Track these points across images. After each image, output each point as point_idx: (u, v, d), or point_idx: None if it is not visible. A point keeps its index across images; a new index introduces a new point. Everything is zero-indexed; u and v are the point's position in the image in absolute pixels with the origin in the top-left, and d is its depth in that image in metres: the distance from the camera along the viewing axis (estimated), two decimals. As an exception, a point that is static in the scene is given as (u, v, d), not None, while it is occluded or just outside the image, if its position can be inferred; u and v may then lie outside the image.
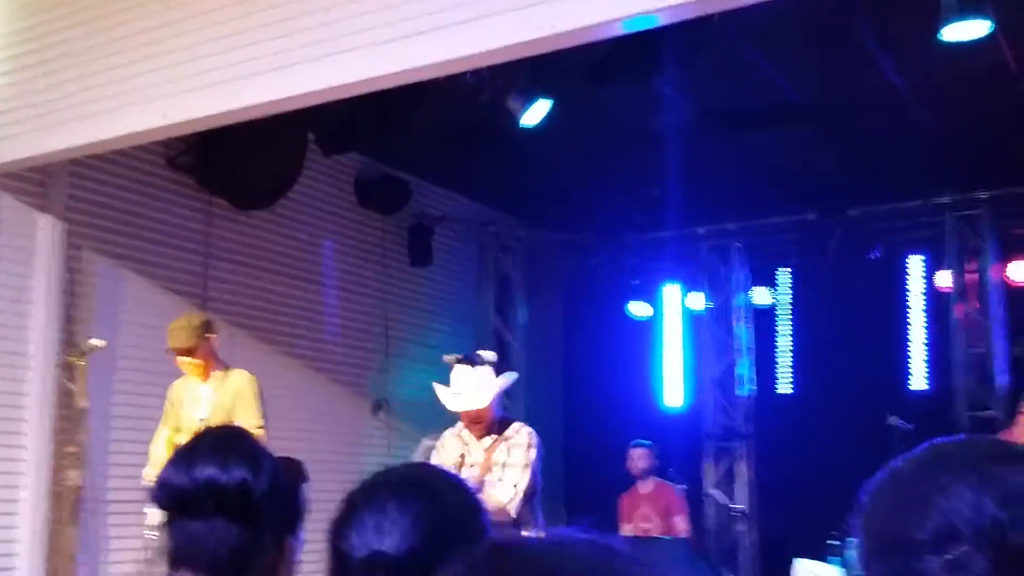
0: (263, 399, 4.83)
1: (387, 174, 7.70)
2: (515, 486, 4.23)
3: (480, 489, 4.10)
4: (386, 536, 1.23)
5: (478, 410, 4.34)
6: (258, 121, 4.86)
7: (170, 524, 1.62)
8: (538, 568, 0.58)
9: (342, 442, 7.24)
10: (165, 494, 1.60)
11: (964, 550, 0.92)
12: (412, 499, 1.28)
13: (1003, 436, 6.30)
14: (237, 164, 6.40)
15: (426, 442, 3.91)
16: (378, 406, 7.71)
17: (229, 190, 6.55)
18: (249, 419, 4.68)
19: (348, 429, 7.42)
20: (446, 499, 1.32)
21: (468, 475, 4.20)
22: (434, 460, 4.51)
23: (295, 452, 6.64)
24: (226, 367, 4.93)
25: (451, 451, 4.50)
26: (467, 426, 4.46)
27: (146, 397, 5.80)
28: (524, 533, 4.22)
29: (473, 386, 4.36)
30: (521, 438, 4.35)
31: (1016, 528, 0.93)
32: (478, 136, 6.92)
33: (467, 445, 4.48)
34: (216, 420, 4.65)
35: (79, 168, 5.79)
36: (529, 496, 4.26)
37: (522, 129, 6.06)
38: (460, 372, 4.40)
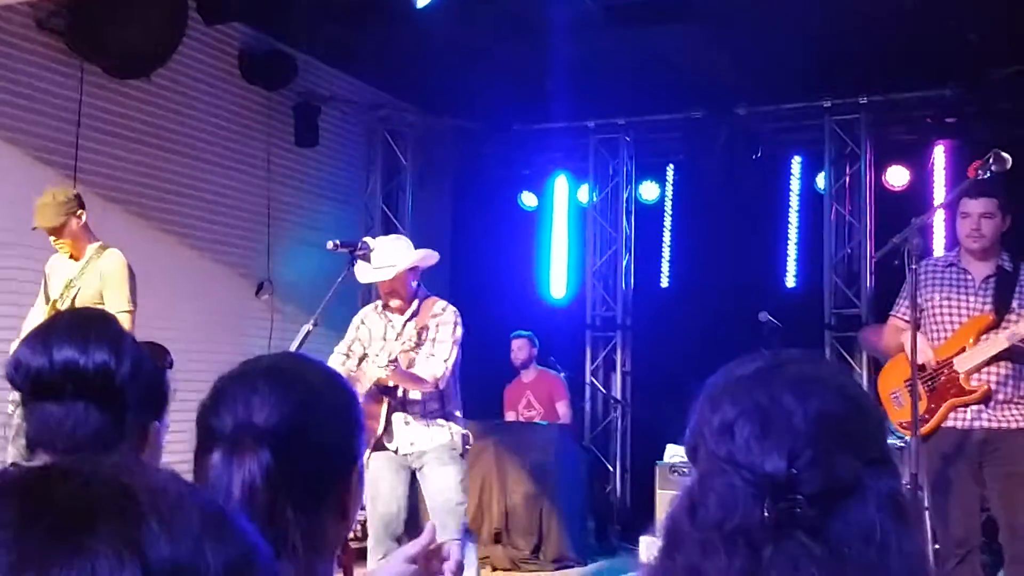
0: (134, 281, 4.68)
1: (273, 48, 7.41)
2: (445, 361, 4.41)
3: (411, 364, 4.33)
4: (255, 411, 1.26)
5: (392, 282, 4.43)
6: (133, -15, 4.59)
7: (27, 406, 1.58)
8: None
9: (224, 324, 7.14)
10: (20, 375, 1.56)
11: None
12: (283, 381, 1.30)
13: (867, 334, 6.66)
14: (110, 29, 6.06)
15: (306, 327, 3.86)
16: (261, 288, 7.60)
17: (102, 56, 6.21)
18: (117, 302, 4.54)
19: (230, 310, 7.31)
20: (315, 384, 1.35)
21: (394, 349, 4.30)
22: (352, 336, 4.64)
23: (173, 333, 6.56)
24: (102, 245, 4.75)
25: (375, 327, 4.61)
26: (385, 300, 4.56)
27: (13, 270, 5.59)
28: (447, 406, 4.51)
29: (386, 258, 4.42)
30: (448, 316, 4.52)
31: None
32: (371, 14, 6.70)
33: (391, 321, 4.58)
34: (82, 300, 4.50)
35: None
36: (453, 370, 4.51)
37: (417, 11, 5.90)
38: (380, 243, 4.49)
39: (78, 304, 4.42)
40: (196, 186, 7.07)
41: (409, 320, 4.53)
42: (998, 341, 3.94)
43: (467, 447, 4.65)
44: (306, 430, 1.27)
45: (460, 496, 4.50)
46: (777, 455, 1.02)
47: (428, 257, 4.67)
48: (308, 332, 3.72)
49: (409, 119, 8.92)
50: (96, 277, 4.60)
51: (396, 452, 4.50)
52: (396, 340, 4.44)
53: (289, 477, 1.21)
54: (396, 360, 4.21)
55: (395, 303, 4.55)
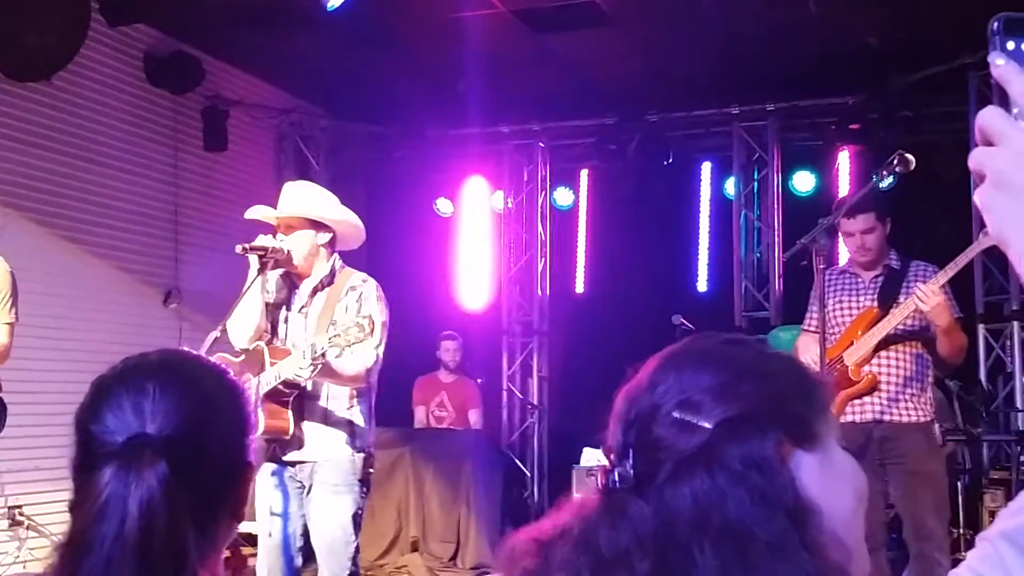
0: (16, 292, 4.48)
1: (179, 50, 7.23)
2: (376, 348, 3.60)
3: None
4: (148, 418, 1.17)
5: (295, 219, 3.65)
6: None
7: None
8: None
9: (130, 332, 6.91)
10: None
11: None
12: (174, 383, 1.22)
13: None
14: (9, 31, 5.85)
15: (213, 334, 3.70)
16: (169, 296, 7.41)
17: (1, 59, 5.98)
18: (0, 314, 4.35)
19: (136, 319, 7.09)
20: (206, 383, 1.27)
21: (316, 344, 3.40)
22: (252, 299, 3.71)
23: (77, 343, 6.34)
24: None
25: (277, 287, 3.80)
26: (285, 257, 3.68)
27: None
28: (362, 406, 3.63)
29: (285, 201, 3.73)
30: (371, 290, 3.70)
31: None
32: (280, 16, 6.60)
33: (297, 288, 3.80)
34: None
35: None
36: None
37: (327, 14, 5.82)
38: (288, 186, 3.88)
39: None
40: (100, 192, 6.85)
41: (321, 290, 3.74)
42: (879, 330, 4.08)
43: (370, 471, 3.74)
44: (202, 435, 1.20)
45: (349, 535, 3.62)
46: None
47: (342, 222, 3.76)
48: (215, 339, 3.59)
49: (321, 124, 8.81)
50: None
51: (282, 459, 3.66)
52: (300, 312, 3.72)
53: (187, 489, 1.14)
54: (320, 358, 3.34)
55: (292, 262, 3.71)
